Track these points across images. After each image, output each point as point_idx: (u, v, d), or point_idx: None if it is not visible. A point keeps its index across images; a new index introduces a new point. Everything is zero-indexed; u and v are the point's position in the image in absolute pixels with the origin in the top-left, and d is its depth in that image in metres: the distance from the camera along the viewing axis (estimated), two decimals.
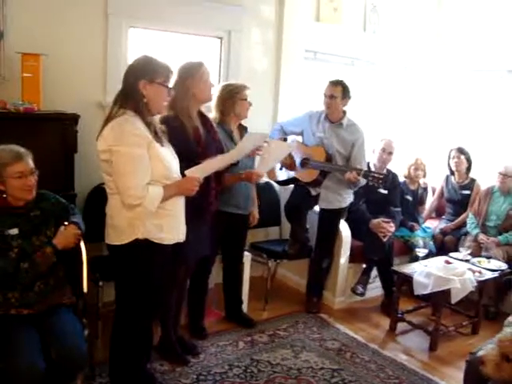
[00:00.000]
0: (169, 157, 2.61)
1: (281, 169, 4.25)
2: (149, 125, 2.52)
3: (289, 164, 4.17)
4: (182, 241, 2.73)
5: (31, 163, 2.56)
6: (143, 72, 2.50)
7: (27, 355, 2.32)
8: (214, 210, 3.24)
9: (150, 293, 2.68)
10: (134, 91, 2.50)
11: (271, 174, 4.29)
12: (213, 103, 3.52)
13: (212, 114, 3.50)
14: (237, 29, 4.55)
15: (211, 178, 3.01)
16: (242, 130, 3.70)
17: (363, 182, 4.00)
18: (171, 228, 2.64)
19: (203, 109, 3.27)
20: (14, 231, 2.53)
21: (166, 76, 2.56)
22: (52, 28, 3.63)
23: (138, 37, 4.08)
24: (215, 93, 3.49)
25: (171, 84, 2.66)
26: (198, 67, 3.09)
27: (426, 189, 5.14)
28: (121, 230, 2.56)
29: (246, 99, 3.62)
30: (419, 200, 5.07)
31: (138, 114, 2.50)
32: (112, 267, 2.75)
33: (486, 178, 5.09)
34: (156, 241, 2.58)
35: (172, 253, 2.73)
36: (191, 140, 3.01)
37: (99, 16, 3.81)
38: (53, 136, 3.36)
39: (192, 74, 3.06)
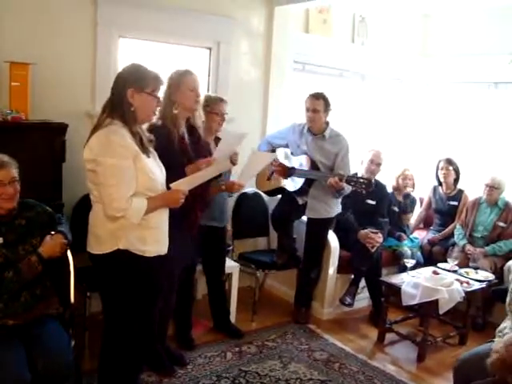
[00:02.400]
0: (155, 168, 2.57)
1: (268, 179, 4.24)
2: (135, 134, 2.48)
3: (279, 168, 4.15)
4: (163, 253, 2.67)
5: (13, 173, 2.55)
6: (132, 81, 2.47)
7: (13, 367, 2.30)
8: (198, 226, 3.22)
9: (133, 304, 2.63)
10: (122, 100, 2.46)
11: (260, 184, 4.29)
12: None
13: None
14: (226, 40, 4.56)
15: (196, 192, 2.98)
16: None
17: (348, 189, 4.00)
18: (155, 240, 2.60)
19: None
20: None
21: (154, 86, 2.52)
22: (41, 37, 3.63)
23: (127, 47, 4.08)
24: None
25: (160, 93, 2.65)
26: (183, 75, 3.08)
27: (408, 196, 5.12)
28: (102, 239, 2.52)
29: (217, 113, 3.58)
30: (402, 210, 5.08)
31: (126, 123, 2.46)
32: (96, 277, 2.73)
33: (473, 188, 5.12)
34: (138, 253, 2.52)
35: (155, 265, 2.69)
36: (176, 150, 2.99)
37: (89, 26, 3.82)
38: (41, 145, 3.35)
39: (176, 81, 3.06)
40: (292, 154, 4.20)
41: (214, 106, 3.57)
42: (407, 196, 5.11)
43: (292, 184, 4.15)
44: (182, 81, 3.06)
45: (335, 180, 3.85)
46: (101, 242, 2.53)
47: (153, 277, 2.68)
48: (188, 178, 2.74)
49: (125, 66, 2.58)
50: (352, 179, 3.89)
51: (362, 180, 3.87)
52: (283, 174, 4.13)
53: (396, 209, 4.97)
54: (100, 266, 2.60)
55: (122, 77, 2.52)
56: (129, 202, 2.41)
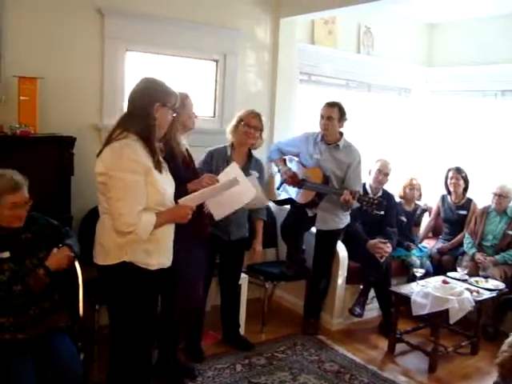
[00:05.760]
0: (166, 184, 2.57)
1: (278, 188, 4.24)
2: (154, 152, 2.47)
3: (291, 177, 4.13)
4: (166, 266, 2.66)
5: (26, 193, 2.56)
6: (158, 95, 2.48)
7: (22, 382, 2.29)
8: (209, 233, 3.29)
9: (139, 316, 2.62)
10: (146, 114, 2.45)
11: (269, 193, 4.28)
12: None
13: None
14: (232, 52, 4.59)
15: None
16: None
17: (356, 204, 3.99)
18: (159, 254, 2.59)
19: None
20: (5, 254, 2.52)
21: (175, 101, 2.56)
22: (49, 51, 3.66)
23: (134, 60, 4.11)
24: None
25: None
26: (185, 98, 3.22)
27: (425, 210, 5.14)
28: (107, 250, 2.51)
29: (249, 125, 3.77)
30: (415, 222, 5.06)
31: (141, 138, 2.44)
32: (103, 288, 2.73)
33: (482, 197, 5.10)
34: (142, 265, 2.52)
35: (164, 278, 2.67)
36: (180, 166, 3.08)
37: (96, 39, 3.85)
38: (49, 159, 3.37)
39: (182, 103, 3.08)
40: (303, 165, 4.18)
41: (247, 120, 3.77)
42: (421, 209, 5.10)
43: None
44: (185, 103, 3.20)
45: (347, 197, 3.83)
46: (106, 252, 2.52)
47: (156, 290, 2.68)
48: (194, 194, 2.75)
49: (145, 81, 2.55)
50: (364, 199, 3.87)
51: (373, 200, 3.85)
52: (296, 183, 4.12)
53: (404, 218, 4.94)
54: (106, 276, 2.60)
55: (147, 91, 2.50)
56: (138, 216, 2.40)
